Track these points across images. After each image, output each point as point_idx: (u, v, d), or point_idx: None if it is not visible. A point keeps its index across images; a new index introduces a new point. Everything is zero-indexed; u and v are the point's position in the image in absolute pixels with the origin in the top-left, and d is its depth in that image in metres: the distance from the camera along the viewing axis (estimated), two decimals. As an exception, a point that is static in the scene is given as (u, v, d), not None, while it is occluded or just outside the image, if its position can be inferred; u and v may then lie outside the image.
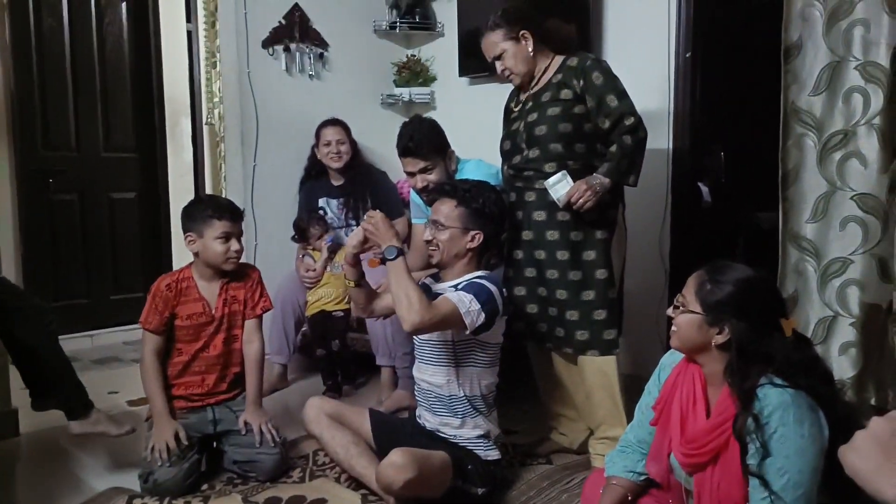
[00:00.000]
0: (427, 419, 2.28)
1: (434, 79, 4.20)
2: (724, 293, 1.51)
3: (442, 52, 4.12)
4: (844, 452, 0.83)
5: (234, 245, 2.40)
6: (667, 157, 3.24)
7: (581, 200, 2.24)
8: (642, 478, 1.75)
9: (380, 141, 3.80)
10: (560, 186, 2.26)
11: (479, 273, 2.20)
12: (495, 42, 2.42)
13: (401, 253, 2.05)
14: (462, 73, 3.94)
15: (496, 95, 3.67)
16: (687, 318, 1.55)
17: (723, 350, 1.52)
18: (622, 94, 2.31)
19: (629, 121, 2.29)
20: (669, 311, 1.62)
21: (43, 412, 2.45)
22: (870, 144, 2.24)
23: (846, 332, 2.32)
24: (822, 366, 1.54)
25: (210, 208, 2.40)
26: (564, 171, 2.28)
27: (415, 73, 4.17)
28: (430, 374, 2.23)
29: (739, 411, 1.46)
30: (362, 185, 3.48)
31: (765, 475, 1.42)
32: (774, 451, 1.41)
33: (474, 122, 3.55)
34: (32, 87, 4.05)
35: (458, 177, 2.71)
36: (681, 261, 3.24)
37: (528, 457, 2.57)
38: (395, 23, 4.10)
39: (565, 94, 2.35)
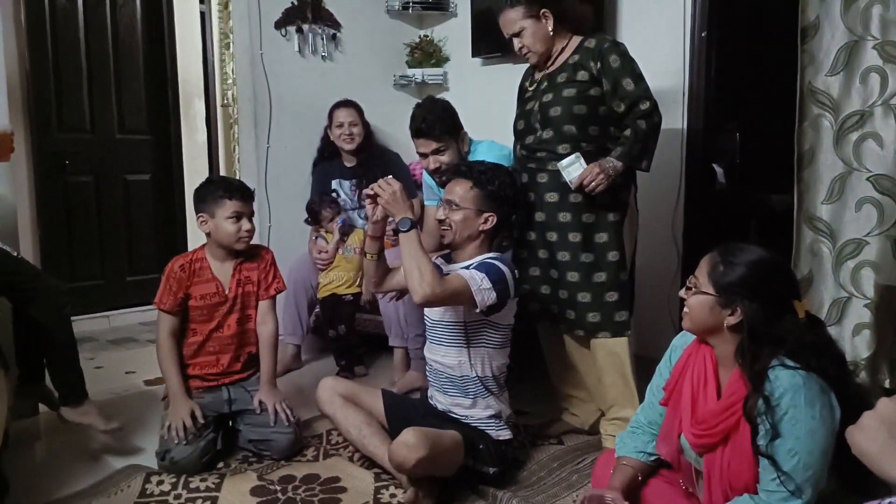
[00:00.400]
0: (439, 400, 2.30)
1: (447, 59, 4.19)
2: (736, 275, 1.51)
3: (454, 33, 4.10)
4: (851, 433, 0.84)
5: (245, 225, 2.41)
6: (681, 138, 3.22)
7: (593, 184, 2.23)
8: (652, 458, 1.76)
9: (392, 122, 3.79)
10: (573, 168, 2.26)
11: (492, 254, 2.20)
12: (514, 19, 2.40)
13: (414, 225, 2.06)
14: (475, 53, 3.92)
15: (509, 76, 3.65)
16: (699, 300, 1.56)
17: (735, 332, 1.53)
18: (639, 78, 2.30)
19: (644, 105, 2.28)
20: (682, 293, 1.62)
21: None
22: (887, 125, 2.21)
23: (860, 313, 2.31)
24: (835, 348, 1.54)
25: (221, 189, 2.42)
26: (578, 154, 2.27)
27: (427, 53, 4.15)
28: (442, 355, 2.24)
29: (750, 392, 1.46)
30: (375, 166, 3.48)
31: (775, 456, 1.42)
32: (785, 432, 1.41)
33: (487, 103, 3.55)
34: (47, 70, 4.07)
35: (470, 158, 2.70)
36: (694, 242, 3.22)
37: (539, 437, 2.58)
38: (408, 3, 4.08)
39: (581, 75, 2.33)
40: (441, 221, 2.23)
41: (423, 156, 2.69)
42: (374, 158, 3.53)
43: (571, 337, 2.51)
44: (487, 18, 3.75)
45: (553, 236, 2.40)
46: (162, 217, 4.64)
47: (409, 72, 4.16)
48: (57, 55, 4.11)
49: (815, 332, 1.51)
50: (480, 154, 2.70)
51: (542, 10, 2.37)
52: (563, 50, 2.42)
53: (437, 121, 2.63)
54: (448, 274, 2.13)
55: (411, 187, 3.55)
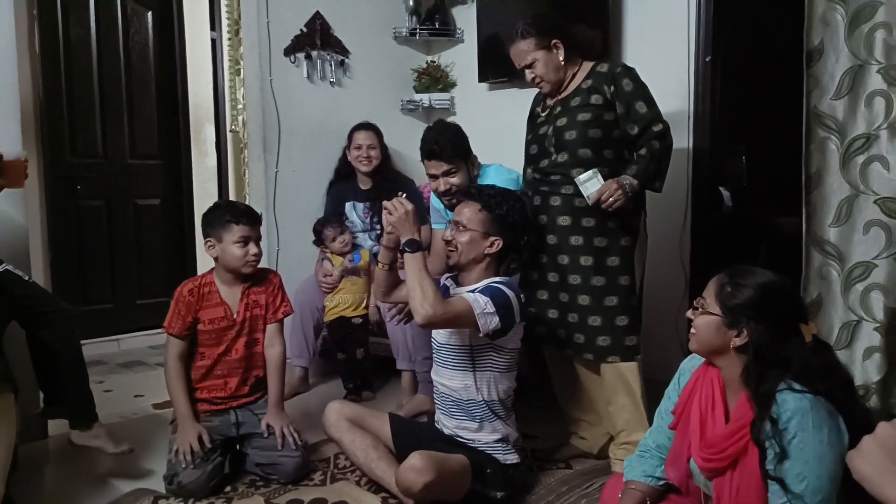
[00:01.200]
0: (445, 423, 2.29)
1: (454, 84, 4.23)
2: (744, 296, 1.51)
3: (461, 58, 4.14)
4: (851, 457, 0.84)
5: (252, 249, 2.43)
6: (687, 161, 3.23)
7: (611, 199, 2.25)
8: (661, 482, 1.75)
9: (400, 146, 3.83)
10: (591, 184, 2.27)
11: (498, 279, 2.21)
12: (526, 51, 2.42)
13: (420, 247, 2.07)
14: (481, 78, 3.96)
15: (515, 101, 3.69)
16: (706, 320, 1.56)
17: (741, 353, 1.53)
18: (651, 102, 2.34)
19: (657, 127, 2.32)
20: (689, 314, 1.63)
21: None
22: (892, 148, 2.20)
23: (870, 336, 2.29)
24: (843, 371, 1.54)
25: (228, 213, 2.44)
26: (596, 169, 2.29)
27: (435, 78, 4.19)
28: (448, 378, 2.24)
29: (757, 415, 1.46)
30: (389, 190, 3.50)
31: (784, 479, 1.41)
32: (793, 456, 1.40)
33: (493, 128, 3.58)
34: (60, 95, 4.13)
35: (479, 181, 2.72)
36: (701, 265, 3.22)
37: (547, 461, 2.57)
38: (415, 29, 4.13)
39: (595, 99, 2.36)
40: (448, 242, 2.24)
41: (434, 177, 2.70)
42: (389, 183, 3.55)
43: (580, 361, 2.50)
44: (494, 44, 3.80)
45: (564, 259, 2.40)
46: (172, 241, 4.68)
47: (417, 97, 4.20)
48: (71, 82, 4.18)
49: (823, 356, 1.50)
50: (489, 178, 2.72)
51: (553, 41, 2.40)
52: (574, 76, 2.44)
53: (448, 143, 2.65)
54: (453, 297, 2.14)
55: (423, 212, 3.57)
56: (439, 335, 2.27)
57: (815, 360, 1.47)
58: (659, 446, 1.77)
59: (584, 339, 2.40)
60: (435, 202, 2.99)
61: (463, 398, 2.22)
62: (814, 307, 2.37)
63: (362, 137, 3.55)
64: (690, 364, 1.75)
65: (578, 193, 2.33)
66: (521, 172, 2.69)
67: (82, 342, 2.48)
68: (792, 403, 1.42)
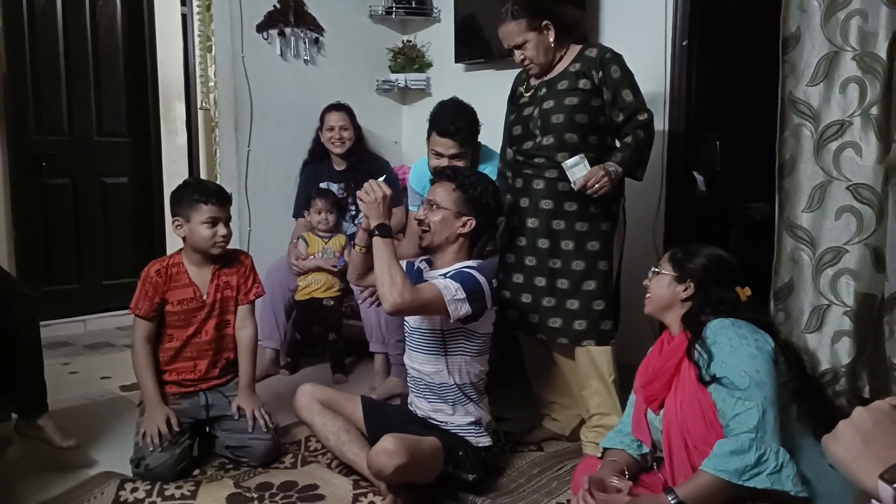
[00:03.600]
0: (419, 406, 2.28)
1: (430, 65, 4.18)
2: (692, 258, 1.81)
3: (438, 38, 4.10)
4: (827, 441, 0.84)
5: (221, 230, 2.38)
6: (662, 146, 3.23)
7: (597, 185, 2.23)
8: (637, 455, 1.82)
9: (375, 127, 3.79)
10: (577, 169, 2.26)
11: (471, 262, 2.19)
12: (516, 31, 2.39)
13: (389, 233, 2.04)
14: (458, 59, 3.92)
15: (492, 82, 3.67)
16: (659, 279, 1.84)
17: (686, 302, 1.79)
18: (637, 90, 2.34)
19: (643, 116, 2.32)
20: (645, 282, 1.87)
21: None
22: (865, 135, 2.23)
23: (840, 320, 2.32)
24: (768, 318, 1.83)
25: (197, 192, 2.38)
26: (582, 154, 2.27)
27: (410, 58, 4.14)
28: (420, 363, 2.23)
29: (690, 339, 1.72)
30: (365, 172, 3.47)
31: (727, 377, 1.60)
32: (727, 359, 1.62)
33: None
34: (25, 70, 4.01)
35: (481, 166, 2.71)
36: (675, 250, 3.23)
37: (519, 443, 2.57)
38: (391, 8, 4.07)
39: (584, 83, 2.35)
40: (420, 222, 2.21)
41: (439, 155, 2.68)
42: (363, 164, 3.52)
43: (554, 345, 2.50)
44: (471, 25, 3.76)
45: (545, 243, 2.39)
46: (140, 220, 4.58)
47: (392, 76, 4.15)
48: (35, 55, 4.05)
49: (756, 310, 1.77)
50: (490, 161, 2.75)
51: (545, 22, 2.37)
52: (562, 58, 2.42)
53: (466, 125, 2.65)
54: (426, 280, 2.12)
55: (398, 196, 3.53)
56: (411, 319, 2.25)
57: (747, 308, 1.74)
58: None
59: (560, 322, 2.40)
60: (414, 183, 2.96)
61: (435, 382, 2.20)
62: (785, 291, 2.40)
63: (334, 118, 3.49)
64: None
65: (562, 177, 2.31)
66: (500, 151, 2.67)
67: (49, 323, 2.41)
68: (717, 323, 1.69)
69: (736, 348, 1.62)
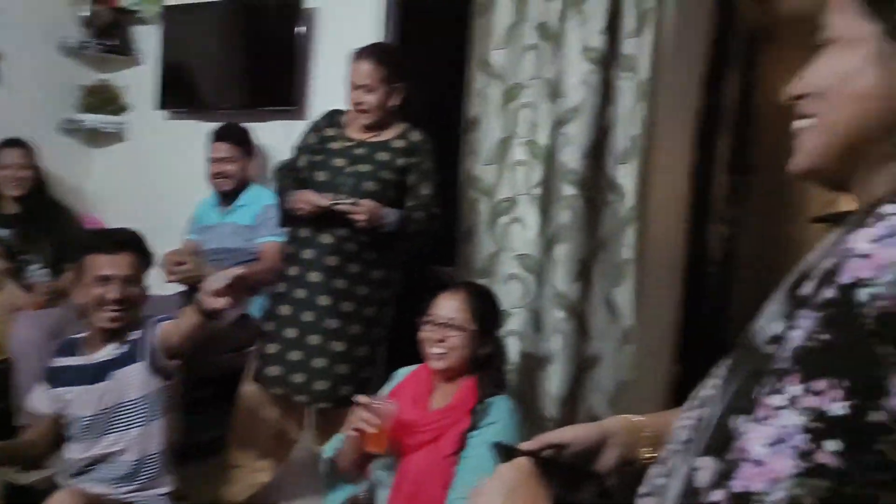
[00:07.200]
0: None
1: (125, 108, 3.91)
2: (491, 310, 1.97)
3: (139, 81, 3.86)
4: (471, 497, 0.85)
5: None
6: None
7: (360, 216, 2.21)
8: None
9: (56, 169, 3.44)
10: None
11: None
12: (371, 76, 2.33)
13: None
14: (163, 105, 3.71)
15: (197, 132, 3.53)
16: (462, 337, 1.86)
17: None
18: (436, 186, 2.40)
19: (433, 210, 2.38)
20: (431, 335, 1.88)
21: None
22: (531, 210, 2.58)
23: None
24: None
25: None
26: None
27: (105, 99, 3.84)
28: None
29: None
30: (42, 218, 3.13)
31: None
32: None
33: (171, 158, 3.42)
34: None
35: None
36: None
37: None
38: (87, 42, 3.76)
39: (401, 163, 2.36)
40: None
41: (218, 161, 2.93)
42: (42, 210, 3.17)
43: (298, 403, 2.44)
44: (180, 71, 3.60)
45: (326, 301, 2.31)
46: None
47: (81, 116, 3.80)
48: None
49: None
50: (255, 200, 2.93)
51: (399, 86, 2.37)
52: (388, 127, 2.41)
53: (240, 131, 2.78)
54: None
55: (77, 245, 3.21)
56: None
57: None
58: None
59: (327, 385, 2.30)
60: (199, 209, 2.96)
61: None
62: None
63: (9, 156, 3.14)
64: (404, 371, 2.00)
65: (351, 237, 2.29)
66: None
67: None
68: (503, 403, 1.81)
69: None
